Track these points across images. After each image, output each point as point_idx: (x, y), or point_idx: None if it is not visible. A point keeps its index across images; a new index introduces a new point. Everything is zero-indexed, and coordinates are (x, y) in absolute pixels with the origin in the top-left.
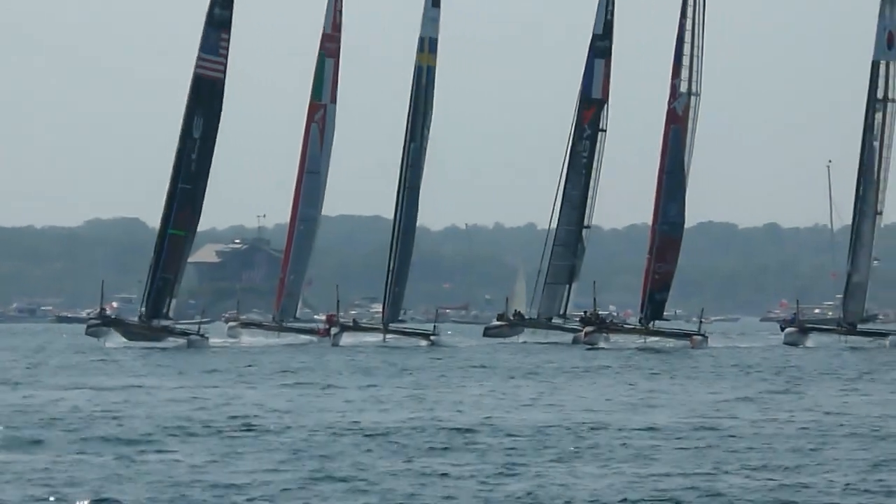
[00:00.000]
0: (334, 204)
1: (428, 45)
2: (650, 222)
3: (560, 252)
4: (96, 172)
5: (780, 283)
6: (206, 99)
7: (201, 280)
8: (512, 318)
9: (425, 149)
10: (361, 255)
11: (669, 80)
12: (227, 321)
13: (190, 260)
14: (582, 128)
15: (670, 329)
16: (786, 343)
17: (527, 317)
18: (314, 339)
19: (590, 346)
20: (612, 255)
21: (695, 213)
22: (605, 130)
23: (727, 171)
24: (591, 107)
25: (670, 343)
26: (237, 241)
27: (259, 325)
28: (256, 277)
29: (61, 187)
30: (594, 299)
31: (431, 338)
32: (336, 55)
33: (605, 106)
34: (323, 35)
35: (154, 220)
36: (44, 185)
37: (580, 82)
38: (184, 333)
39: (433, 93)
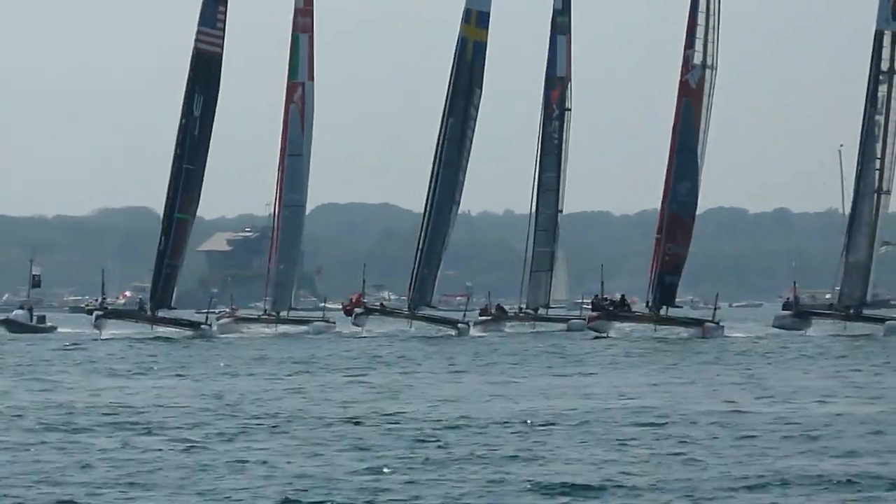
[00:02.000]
0: (341, 192)
1: (476, 19)
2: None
3: (542, 238)
4: (106, 161)
5: (790, 268)
6: (204, 74)
7: (212, 268)
8: (494, 312)
9: (471, 128)
10: (369, 243)
11: (682, 51)
12: (218, 318)
13: (200, 248)
14: (550, 108)
15: (680, 317)
16: (776, 326)
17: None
18: (308, 329)
19: (596, 334)
20: (620, 241)
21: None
22: (570, 109)
23: (738, 154)
24: (557, 85)
25: (682, 333)
26: (247, 229)
27: (254, 320)
28: (267, 265)
29: (71, 176)
30: (601, 283)
31: (459, 326)
32: (310, 30)
33: (569, 84)
34: (295, 10)
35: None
36: (53, 175)
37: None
38: (191, 324)
39: (482, 69)
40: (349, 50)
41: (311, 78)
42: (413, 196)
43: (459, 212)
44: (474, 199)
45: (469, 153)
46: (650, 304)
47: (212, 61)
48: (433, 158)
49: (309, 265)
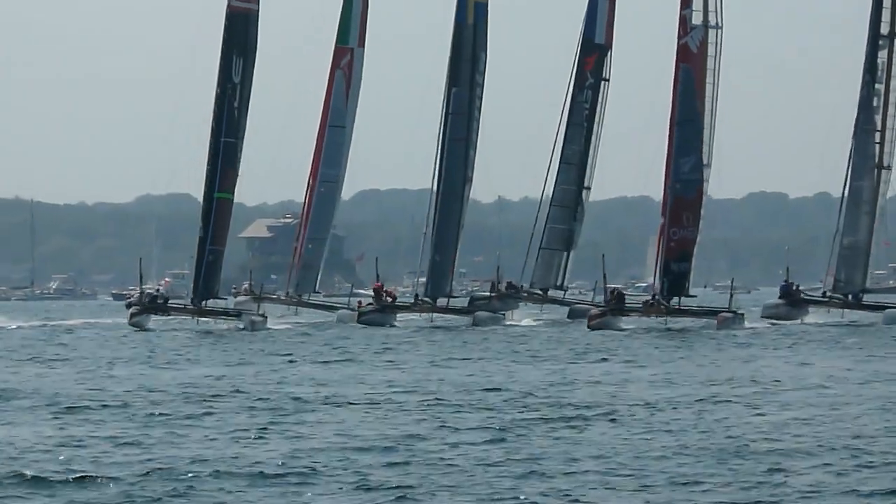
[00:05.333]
0: (386, 176)
1: None
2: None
3: (557, 214)
4: (146, 148)
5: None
6: (241, 36)
7: (253, 255)
8: (504, 289)
9: (479, 97)
10: (412, 228)
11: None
12: (234, 294)
13: (241, 235)
14: (584, 75)
15: (691, 307)
16: (765, 317)
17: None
18: (333, 316)
19: (593, 329)
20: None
21: (745, 183)
22: (609, 80)
23: (779, 138)
24: (594, 53)
25: (698, 322)
26: (288, 215)
27: (273, 300)
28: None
29: (112, 164)
30: (604, 274)
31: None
32: None
33: (609, 52)
34: None
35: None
36: (95, 162)
37: (581, 26)
38: (239, 315)
39: (485, 32)
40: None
41: (363, 44)
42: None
43: (500, 197)
44: (517, 183)
45: (479, 125)
46: (656, 295)
47: (248, 20)
48: (438, 134)
49: (349, 253)
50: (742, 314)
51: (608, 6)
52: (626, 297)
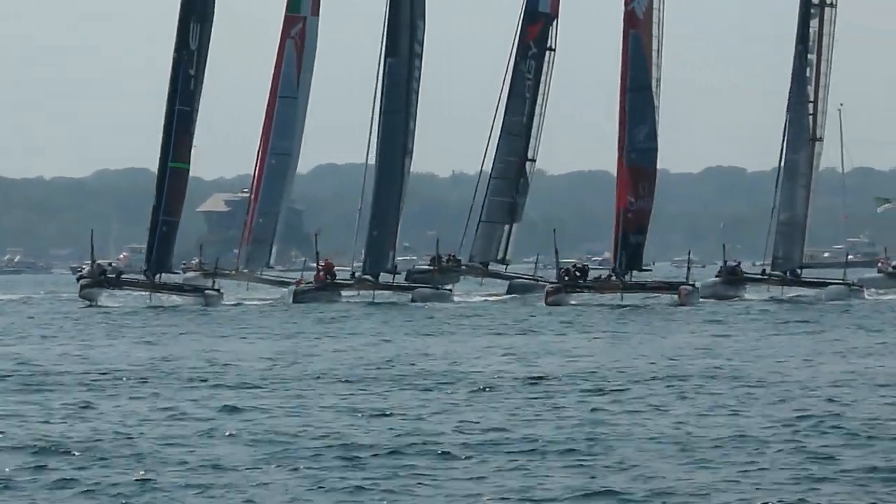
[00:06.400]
0: (345, 151)
1: None
2: None
3: (498, 186)
4: (104, 123)
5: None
6: (199, 1)
7: (211, 229)
8: (446, 262)
9: (418, 67)
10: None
11: None
12: (184, 270)
13: (199, 209)
14: (526, 45)
15: (652, 281)
16: (703, 297)
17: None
18: (285, 291)
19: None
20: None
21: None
22: (555, 49)
23: (731, 114)
24: (538, 21)
25: (655, 298)
26: (245, 189)
27: (224, 275)
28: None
29: (70, 139)
30: (555, 249)
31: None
32: None
33: (555, 21)
34: None
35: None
36: (52, 137)
37: None
38: (196, 290)
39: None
40: None
41: (316, 13)
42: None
43: (454, 171)
44: (474, 157)
45: (418, 96)
46: (615, 269)
47: None
48: (372, 106)
49: (308, 227)
50: (698, 287)
51: None
52: (587, 270)
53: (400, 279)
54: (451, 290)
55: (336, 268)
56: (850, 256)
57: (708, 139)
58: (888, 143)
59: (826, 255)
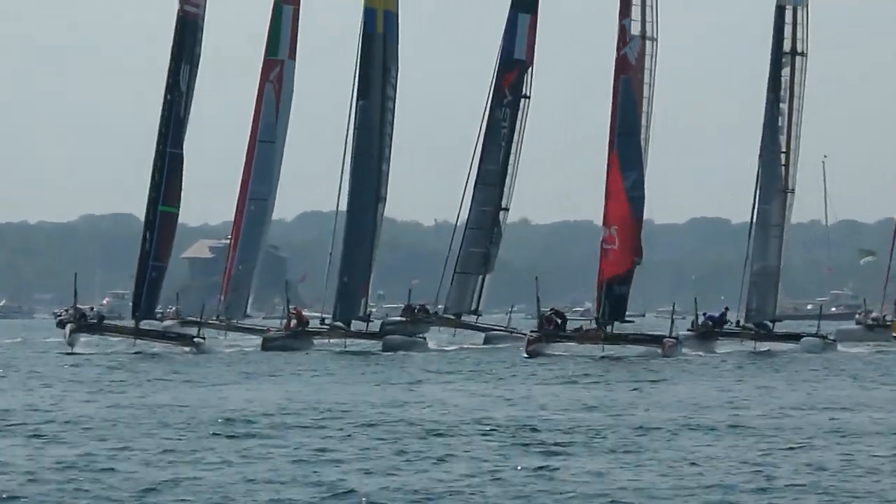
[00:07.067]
0: (329, 198)
1: None
2: None
3: (474, 236)
4: (90, 168)
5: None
6: (190, 42)
7: (194, 276)
8: (416, 312)
9: (391, 110)
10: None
11: (617, 21)
12: (161, 318)
13: (183, 255)
14: (502, 92)
15: (634, 333)
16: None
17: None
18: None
19: (530, 356)
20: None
21: (687, 209)
22: (529, 97)
23: (718, 166)
24: (514, 69)
25: (639, 350)
26: (229, 236)
27: (202, 324)
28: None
29: (55, 183)
30: (537, 298)
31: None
32: (296, 2)
33: (530, 69)
34: None
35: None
36: (37, 181)
37: (500, 41)
38: (181, 337)
39: (396, 43)
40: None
41: (293, 56)
42: (394, 203)
43: (442, 220)
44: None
45: (391, 139)
46: (597, 320)
47: (196, 26)
48: (344, 149)
49: (293, 274)
50: (682, 340)
51: (528, 21)
52: (566, 319)
53: (375, 327)
54: (424, 339)
55: (313, 315)
56: (833, 308)
57: (693, 189)
58: (873, 196)
59: (809, 307)
